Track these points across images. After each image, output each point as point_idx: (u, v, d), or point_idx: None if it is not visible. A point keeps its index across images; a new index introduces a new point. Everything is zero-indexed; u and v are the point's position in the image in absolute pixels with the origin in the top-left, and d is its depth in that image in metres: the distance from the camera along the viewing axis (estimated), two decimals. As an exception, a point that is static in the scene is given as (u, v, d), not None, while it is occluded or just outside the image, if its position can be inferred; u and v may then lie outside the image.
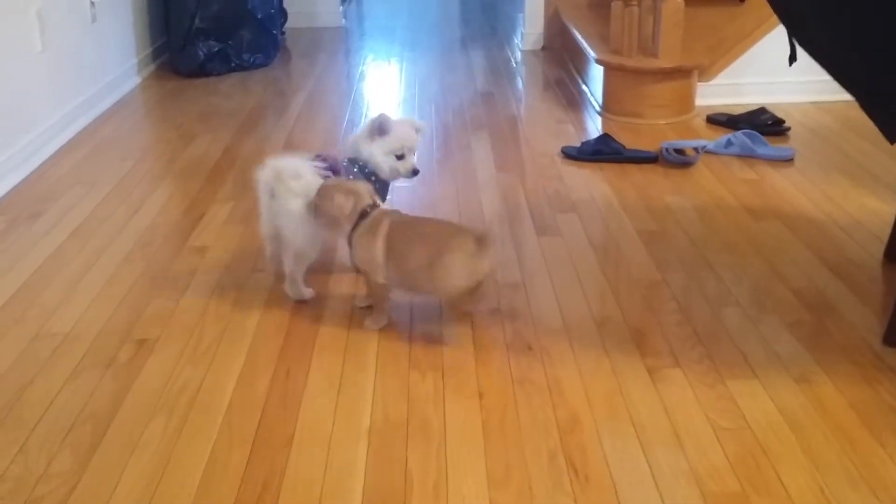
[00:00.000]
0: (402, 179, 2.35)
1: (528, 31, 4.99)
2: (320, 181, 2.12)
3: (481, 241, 1.94)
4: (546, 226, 2.64)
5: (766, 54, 3.74)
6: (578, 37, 4.15)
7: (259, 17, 4.65)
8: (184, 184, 3.04)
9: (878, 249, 2.41)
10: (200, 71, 4.49)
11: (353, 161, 2.28)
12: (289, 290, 2.21)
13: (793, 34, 1.91)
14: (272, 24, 4.78)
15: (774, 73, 3.78)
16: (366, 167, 2.28)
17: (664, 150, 3.14)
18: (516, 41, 5.20)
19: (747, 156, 3.16)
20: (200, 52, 4.48)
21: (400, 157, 2.28)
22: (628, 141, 3.27)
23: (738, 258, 2.40)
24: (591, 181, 2.98)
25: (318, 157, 2.23)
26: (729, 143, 3.20)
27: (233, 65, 4.59)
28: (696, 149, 3.14)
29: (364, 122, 2.27)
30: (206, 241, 2.58)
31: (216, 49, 4.52)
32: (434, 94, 4.13)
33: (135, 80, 4.36)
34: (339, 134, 3.55)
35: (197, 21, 4.46)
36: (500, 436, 1.70)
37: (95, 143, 3.48)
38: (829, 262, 2.35)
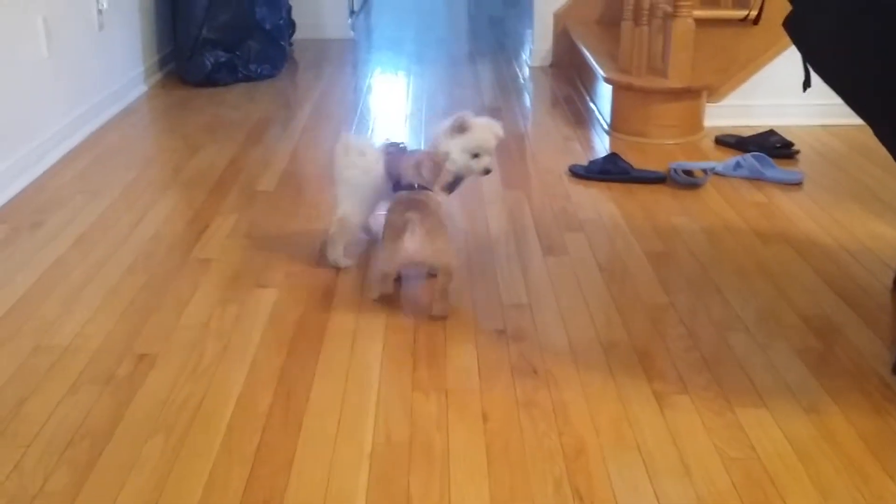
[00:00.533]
0: (474, 176, 2.46)
1: (537, 47, 4.98)
2: (381, 162, 2.35)
3: (399, 231, 2.12)
4: (553, 245, 2.61)
5: (777, 76, 3.72)
6: (587, 54, 4.14)
7: (267, 28, 4.64)
8: (188, 194, 3.02)
9: (888, 276, 2.39)
10: (207, 80, 4.48)
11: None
12: (328, 253, 2.45)
13: (808, 59, 1.89)
14: (280, 35, 4.78)
15: (784, 95, 3.77)
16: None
17: (672, 171, 3.12)
18: (524, 57, 5.19)
19: (756, 178, 3.14)
20: (207, 62, 4.46)
21: (475, 156, 2.38)
22: (636, 160, 3.25)
23: (747, 282, 2.37)
24: (598, 200, 2.96)
25: (390, 144, 2.43)
26: (738, 166, 3.18)
27: (240, 75, 4.58)
28: (704, 170, 3.12)
29: (447, 120, 2.41)
30: (210, 253, 2.56)
31: (223, 59, 4.51)
32: (442, 109, 4.11)
33: (141, 89, 4.35)
34: (345, 147, 3.53)
35: (204, 31, 4.45)
36: (505, 461, 1.67)
37: (100, 151, 3.46)
38: (838, 289, 2.33)
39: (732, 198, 2.98)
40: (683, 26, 3.48)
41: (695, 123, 3.64)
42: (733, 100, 3.78)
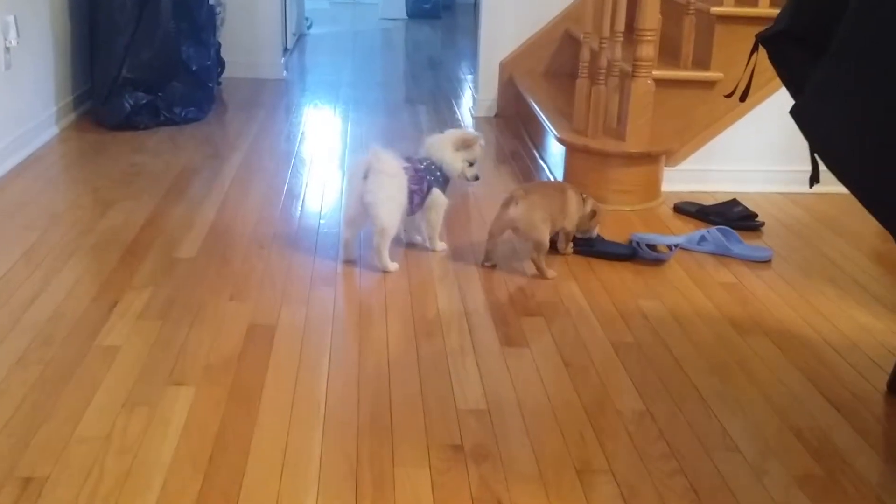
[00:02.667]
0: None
1: (482, 97, 4.74)
2: (405, 175, 2.70)
3: (507, 202, 2.68)
4: (510, 334, 2.34)
5: (736, 141, 3.55)
6: (538, 110, 3.91)
7: (194, 68, 4.30)
8: (96, 262, 2.67)
9: (879, 378, 2.17)
10: (126, 124, 4.11)
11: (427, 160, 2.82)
12: (378, 261, 2.69)
13: (818, 152, 1.67)
14: (207, 76, 4.44)
15: (744, 160, 3.59)
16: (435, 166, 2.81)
17: (635, 244, 2.88)
18: (468, 106, 4.94)
19: (722, 254, 2.92)
20: (127, 104, 4.10)
21: (470, 165, 2.84)
22: (593, 230, 3.01)
23: (730, 385, 2.12)
24: (556, 278, 2.70)
25: (404, 159, 2.77)
26: (702, 240, 2.96)
27: (162, 118, 4.22)
28: (669, 246, 2.88)
29: (449, 134, 2.86)
30: (117, 339, 2.22)
31: (144, 101, 4.15)
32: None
33: (52, 131, 3.96)
34: (276, 209, 3.21)
35: (125, 70, 4.09)
36: None
37: (0, 206, 3.08)
38: (830, 395, 2.09)
39: (699, 277, 2.75)
40: (643, 88, 3.27)
41: (653, 189, 3.42)
42: (691, 164, 3.58)
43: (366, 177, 2.63)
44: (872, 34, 1.50)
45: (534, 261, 2.70)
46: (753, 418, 1.99)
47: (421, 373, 2.12)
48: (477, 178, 2.86)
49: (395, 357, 2.19)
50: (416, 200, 2.75)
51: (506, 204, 2.67)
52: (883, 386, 2.14)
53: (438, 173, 2.79)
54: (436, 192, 2.79)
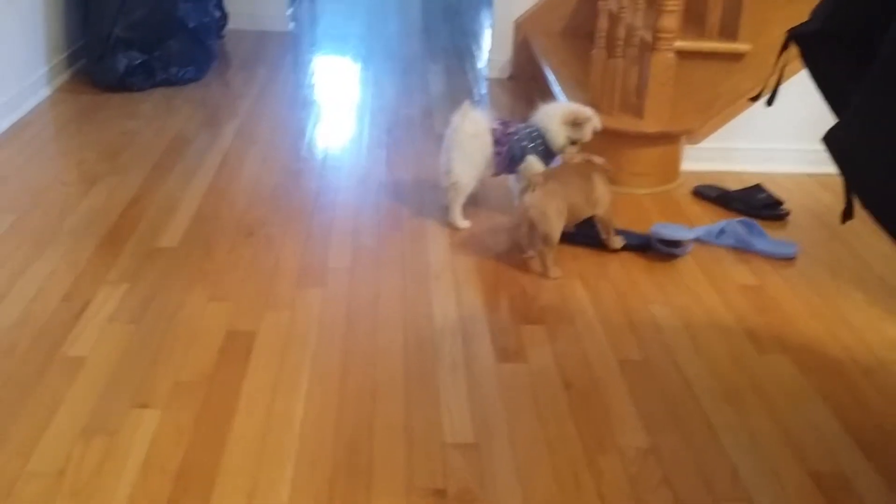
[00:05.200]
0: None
1: (495, 57, 4.50)
2: (489, 133, 2.71)
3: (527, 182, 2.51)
4: (508, 347, 2.16)
5: (762, 118, 3.30)
6: (552, 78, 3.67)
7: (191, 26, 4.09)
8: (72, 251, 2.51)
9: (910, 409, 1.99)
10: (120, 85, 3.93)
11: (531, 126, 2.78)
12: (448, 216, 2.75)
13: (853, 186, 1.46)
14: (206, 34, 4.22)
15: (771, 139, 3.36)
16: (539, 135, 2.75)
17: (653, 240, 2.67)
18: (480, 66, 4.70)
19: (742, 249, 2.72)
20: (121, 65, 3.91)
21: (573, 143, 2.74)
22: (605, 218, 2.81)
23: (744, 416, 1.94)
24: (561, 277, 2.51)
25: (499, 120, 2.79)
26: (722, 232, 2.75)
27: (158, 79, 4.03)
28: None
29: (563, 106, 2.80)
30: (83, 348, 2.06)
31: (139, 61, 3.95)
32: (387, 134, 3.61)
33: (43, 93, 3.79)
34: (268, 188, 3.02)
35: (118, 29, 3.88)
36: None
37: (-23, 182, 2.93)
38: (855, 431, 1.91)
39: (717, 276, 2.56)
40: (664, 61, 3.03)
41: (671, 171, 3.20)
42: (713, 142, 3.35)
43: (452, 131, 2.68)
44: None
45: (540, 254, 2.52)
46: (768, 458, 1.81)
47: (407, 395, 1.96)
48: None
49: (381, 374, 2.02)
50: (498, 161, 2.74)
51: (524, 188, 2.52)
52: (913, 419, 1.96)
53: (539, 141, 2.74)
54: (530, 159, 2.73)
